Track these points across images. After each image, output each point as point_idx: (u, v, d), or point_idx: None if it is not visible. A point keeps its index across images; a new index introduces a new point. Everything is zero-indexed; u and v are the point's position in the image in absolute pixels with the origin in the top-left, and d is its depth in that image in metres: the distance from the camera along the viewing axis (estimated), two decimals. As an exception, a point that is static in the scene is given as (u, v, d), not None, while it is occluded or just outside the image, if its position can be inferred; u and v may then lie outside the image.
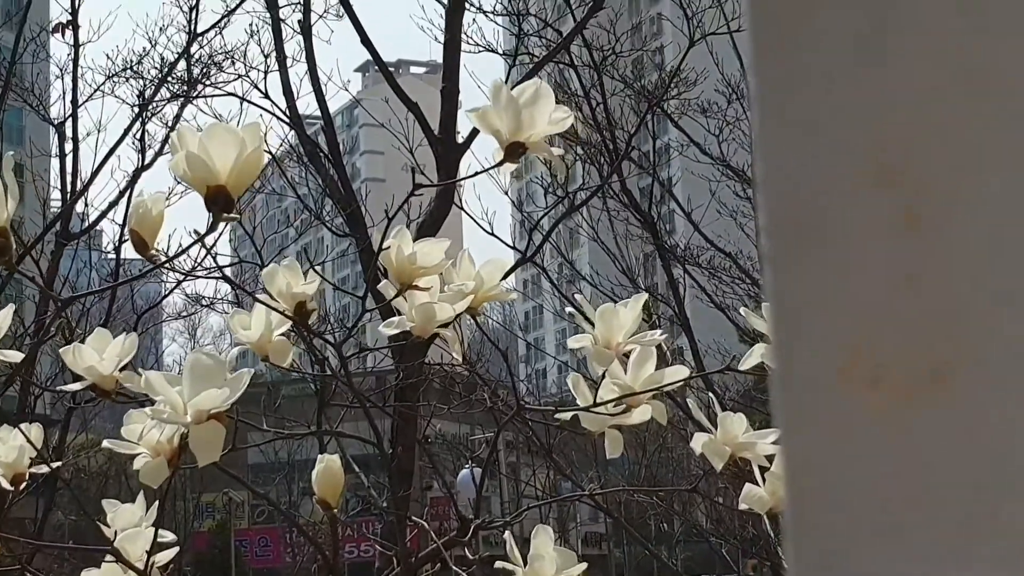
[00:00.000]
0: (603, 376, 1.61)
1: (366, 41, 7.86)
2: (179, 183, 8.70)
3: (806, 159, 0.36)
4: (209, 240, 1.82)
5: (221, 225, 1.33)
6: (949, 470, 0.35)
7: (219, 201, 1.23)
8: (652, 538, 15.80)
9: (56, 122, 8.76)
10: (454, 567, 1.73)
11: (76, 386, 1.51)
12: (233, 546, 29.60)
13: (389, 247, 1.55)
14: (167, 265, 1.56)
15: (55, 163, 8.68)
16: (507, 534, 1.61)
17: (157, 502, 1.60)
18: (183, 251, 1.44)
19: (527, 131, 1.37)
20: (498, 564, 1.56)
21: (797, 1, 0.36)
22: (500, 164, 1.40)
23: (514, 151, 1.38)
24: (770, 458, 1.63)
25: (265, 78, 8.54)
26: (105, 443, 1.50)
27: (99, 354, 1.49)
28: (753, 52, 0.36)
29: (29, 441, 1.57)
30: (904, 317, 0.35)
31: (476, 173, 1.63)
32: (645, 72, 9.08)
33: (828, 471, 0.35)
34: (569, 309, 1.64)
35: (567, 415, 1.70)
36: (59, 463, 1.84)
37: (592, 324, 1.59)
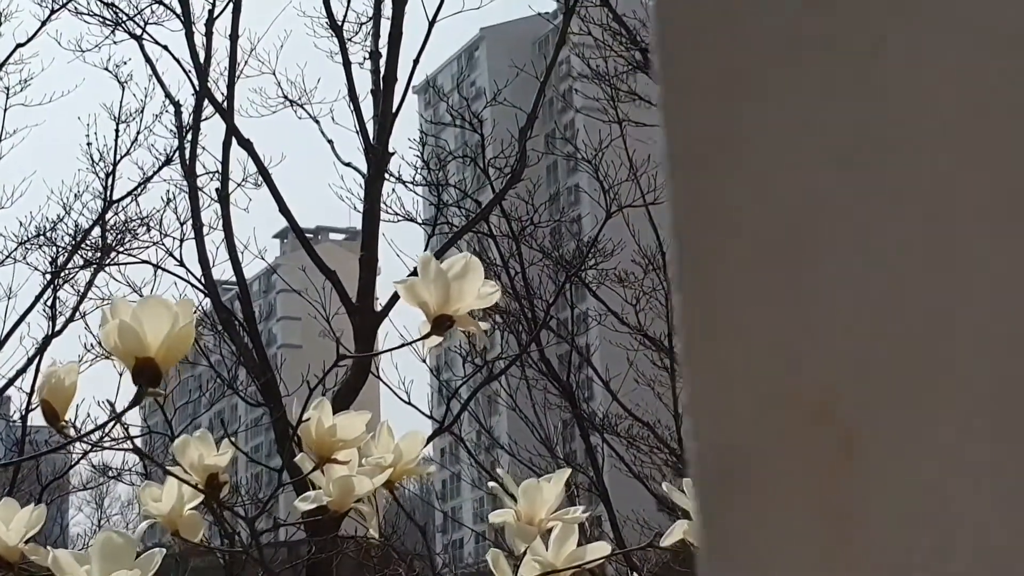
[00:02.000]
0: (524, 552, 1.58)
1: (284, 210, 7.91)
2: (89, 351, 8.56)
3: (738, 385, 0.35)
4: (118, 408, 1.79)
5: (131, 392, 1.31)
6: None
7: (146, 374, 1.21)
8: None
9: (-35, 288, 8.64)
10: None
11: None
12: None
13: (308, 419, 1.53)
14: (79, 439, 1.52)
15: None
16: None
17: None
18: (99, 427, 1.41)
19: (455, 304, 1.37)
20: None
21: (720, 224, 0.35)
22: (426, 336, 1.40)
23: (441, 324, 1.38)
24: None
25: (181, 246, 8.54)
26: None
27: (5, 525, 1.45)
28: (678, 286, 0.36)
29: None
30: (840, 561, 0.33)
31: (400, 346, 1.63)
32: (563, 242, 9.23)
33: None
34: (491, 484, 1.63)
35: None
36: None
37: (514, 499, 1.57)
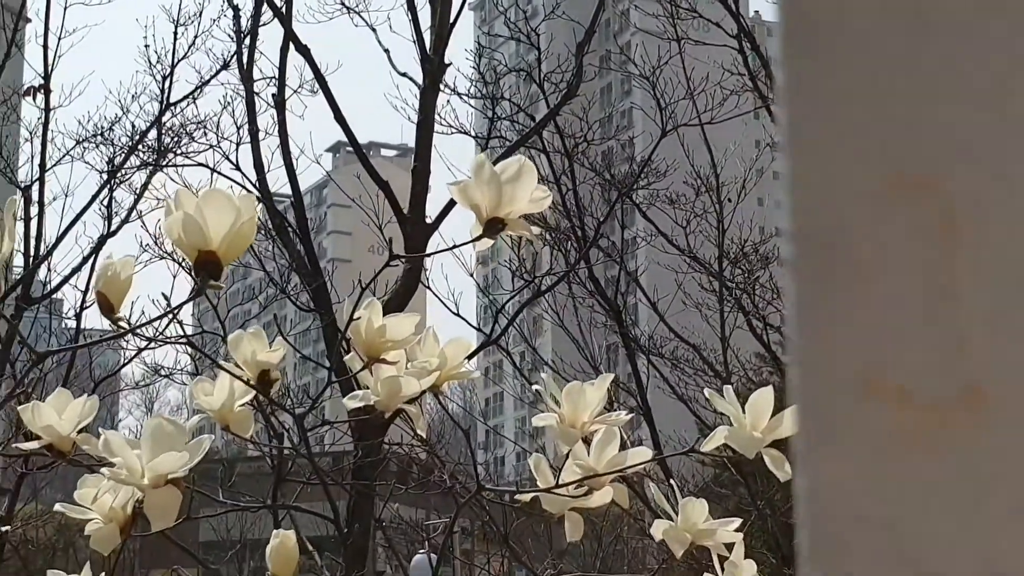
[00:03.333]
0: (566, 457, 1.60)
1: (339, 117, 7.91)
2: (145, 251, 8.66)
3: (836, 165, 0.35)
4: (172, 306, 1.81)
5: (186, 292, 1.32)
6: (980, 494, 0.33)
7: (208, 267, 1.22)
8: (606, 631, 15.61)
9: (23, 185, 8.74)
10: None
11: (32, 444, 1.49)
12: (179, 625, 29.06)
13: (358, 318, 1.55)
14: (132, 332, 1.55)
15: (20, 227, 8.64)
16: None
17: (103, 574, 1.57)
18: (153, 320, 1.43)
19: (507, 207, 1.37)
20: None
21: (831, 6, 0.35)
22: (478, 239, 1.40)
23: (493, 227, 1.38)
24: (730, 546, 1.62)
25: (236, 150, 8.58)
26: (57, 506, 1.48)
27: (58, 414, 1.48)
28: (784, 55, 0.36)
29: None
30: (935, 331, 0.34)
31: (451, 247, 1.63)
32: (615, 161, 9.17)
33: (848, 493, 0.34)
34: (535, 386, 1.64)
35: (527, 496, 1.69)
36: (6, 527, 1.80)
37: (557, 403, 1.59)
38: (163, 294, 1.43)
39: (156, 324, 1.64)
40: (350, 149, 8.54)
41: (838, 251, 0.35)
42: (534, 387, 1.68)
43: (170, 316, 1.40)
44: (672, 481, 1.83)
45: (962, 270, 0.34)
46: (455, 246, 1.57)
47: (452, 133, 8.41)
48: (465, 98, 8.53)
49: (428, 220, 7.50)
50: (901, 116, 0.35)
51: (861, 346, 0.34)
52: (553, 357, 9.05)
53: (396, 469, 7.78)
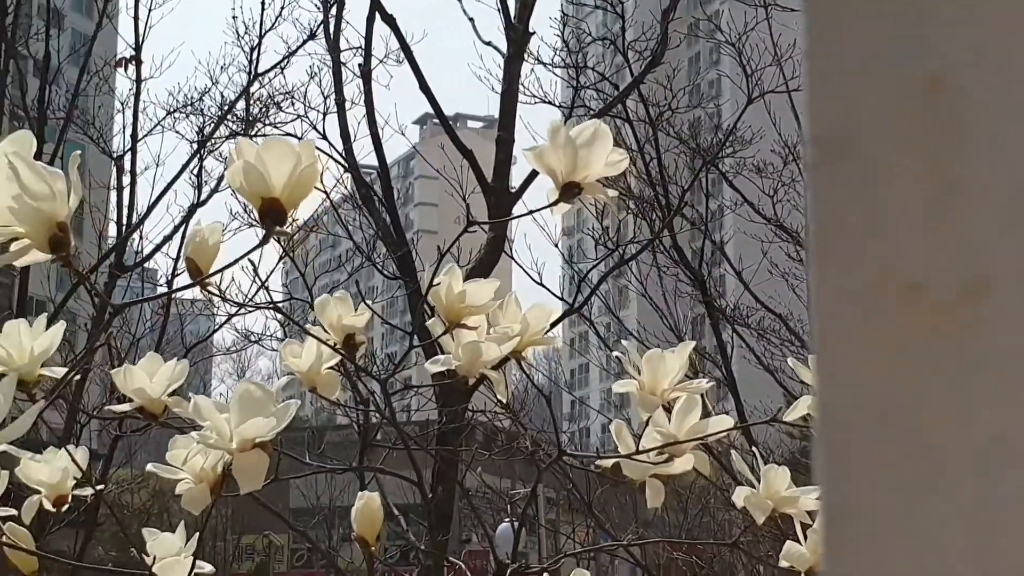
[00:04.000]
0: (646, 424, 1.60)
1: (424, 87, 7.94)
2: (234, 219, 8.78)
3: (849, 66, 0.36)
4: (261, 275, 1.84)
5: (275, 260, 1.34)
6: (985, 380, 0.34)
7: (272, 214, 1.24)
8: (691, 601, 15.58)
9: (115, 155, 8.91)
10: (489, 609, 1.72)
11: (124, 407, 1.53)
12: (271, 589, 29.56)
13: (439, 284, 1.57)
14: (220, 294, 1.58)
15: (113, 196, 8.82)
16: (544, 577, 1.61)
17: (197, 534, 1.61)
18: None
19: (583, 171, 1.38)
20: (534, 608, 1.55)
21: None
22: (555, 204, 1.40)
23: (569, 191, 1.39)
24: (812, 514, 1.61)
25: (323, 120, 8.66)
26: (149, 467, 1.52)
27: (149, 377, 1.51)
28: None
29: (75, 462, 1.58)
30: (944, 227, 0.35)
31: (529, 212, 1.64)
32: (701, 130, 9.10)
33: (861, 388, 0.35)
34: (616, 353, 1.65)
35: (608, 462, 1.70)
36: (102, 487, 1.85)
37: (638, 370, 1.59)
38: (250, 260, 1.46)
39: (242, 292, 1.67)
40: (436, 121, 8.57)
41: (852, 152, 0.36)
42: (614, 354, 1.69)
43: (253, 284, 1.41)
44: (755, 449, 1.83)
45: (970, 167, 0.35)
46: (533, 211, 1.58)
47: (536, 103, 8.41)
48: (549, 67, 8.51)
49: (512, 190, 7.51)
50: (913, 16, 0.36)
51: (874, 244, 0.36)
52: (637, 328, 9.03)
53: (481, 437, 7.84)
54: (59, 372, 1.47)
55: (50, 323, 1.48)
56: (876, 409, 0.35)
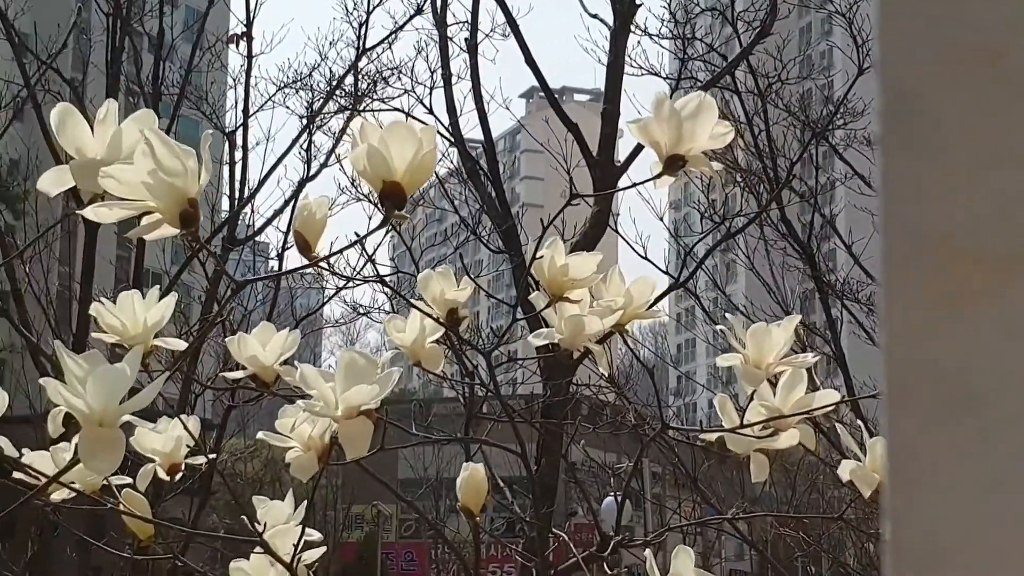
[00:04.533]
0: (751, 398, 1.60)
1: (530, 60, 7.94)
2: (343, 193, 8.89)
3: (919, 37, 0.38)
4: (369, 249, 1.87)
5: (382, 233, 1.36)
6: None
7: (392, 197, 1.25)
8: (799, 578, 15.44)
9: (227, 131, 9.07)
10: (593, 581, 1.73)
11: (237, 374, 1.57)
12: (380, 559, 30.00)
13: (542, 257, 1.57)
14: (327, 266, 1.60)
15: (225, 171, 8.98)
16: (647, 552, 1.61)
17: (305, 503, 1.64)
18: (344, 249, 1.48)
19: (687, 144, 1.37)
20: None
21: None
22: (658, 177, 1.40)
23: (673, 164, 1.38)
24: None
25: (430, 94, 8.71)
26: (260, 435, 1.55)
27: (262, 346, 1.55)
28: None
29: (188, 431, 1.62)
30: (1008, 193, 0.36)
31: (633, 184, 1.64)
32: (811, 102, 8.96)
33: (925, 346, 0.37)
34: (719, 326, 1.64)
35: (713, 436, 1.69)
36: (215, 456, 1.90)
37: (743, 344, 1.58)
38: (357, 233, 1.47)
39: (349, 264, 1.69)
40: (543, 94, 8.57)
41: (917, 120, 0.37)
42: (718, 328, 1.68)
43: (360, 257, 1.43)
44: (861, 423, 1.81)
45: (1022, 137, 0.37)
46: (636, 184, 1.57)
47: (643, 75, 8.35)
48: (656, 39, 8.44)
49: (617, 163, 7.48)
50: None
51: (935, 210, 0.37)
52: (745, 302, 8.95)
53: (586, 410, 7.85)
54: (173, 343, 1.51)
55: (164, 295, 1.52)
56: (932, 363, 0.37)
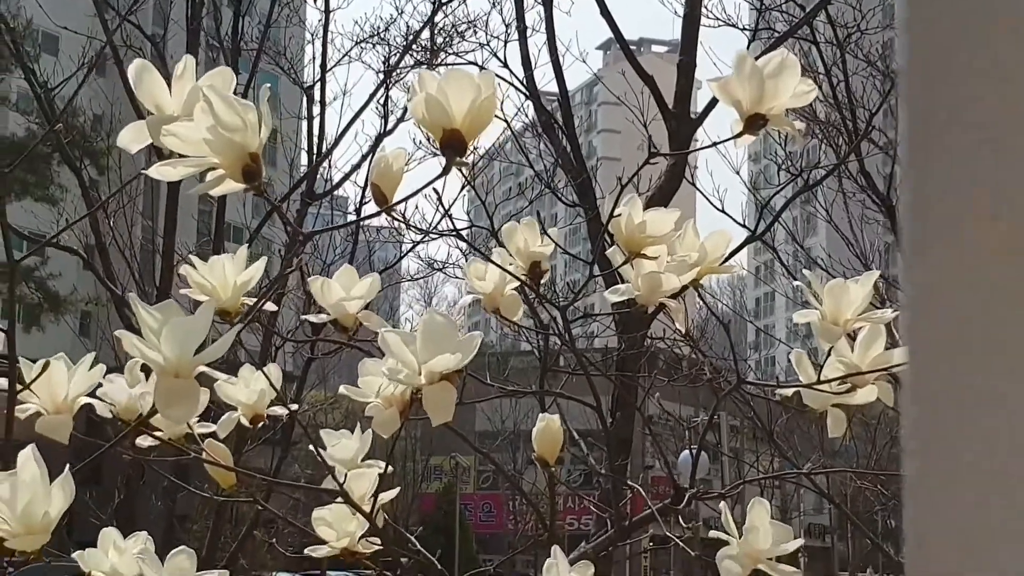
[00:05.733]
0: (828, 353, 1.59)
1: (605, 12, 7.88)
2: (419, 148, 8.92)
3: (946, 4, 0.38)
4: (444, 204, 1.88)
5: (457, 189, 1.37)
6: None
7: (453, 145, 1.26)
8: (878, 533, 15.37)
9: (305, 86, 9.12)
10: (668, 532, 1.74)
11: (320, 317, 1.59)
12: (458, 510, 30.31)
13: (619, 214, 1.57)
14: (404, 221, 1.61)
15: (303, 126, 9.05)
16: (722, 504, 1.61)
17: (388, 454, 1.65)
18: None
19: (769, 103, 1.35)
20: (712, 533, 1.56)
21: None
22: (739, 136, 1.39)
23: (754, 123, 1.37)
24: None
25: (505, 48, 8.69)
26: (341, 389, 1.57)
27: (344, 290, 1.57)
28: None
29: (270, 382, 1.65)
30: (1017, 160, 0.37)
31: (713, 143, 1.62)
32: (892, 51, 8.78)
33: (945, 294, 0.38)
34: (796, 282, 1.63)
35: (789, 391, 1.69)
36: (296, 407, 1.93)
37: (820, 300, 1.57)
38: (434, 189, 1.49)
39: (426, 220, 1.71)
40: (620, 46, 8.50)
41: (943, 85, 0.38)
42: (795, 284, 1.67)
43: (437, 212, 1.44)
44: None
45: None
46: (716, 143, 1.56)
47: (720, 26, 8.24)
48: (734, -11, 8.31)
49: (694, 115, 7.41)
50: None
51: (958, 171, 0.38)
52: (824, 256, 8.85)
53: (663, 364, 7.83)
54: (264, 306, 1.53)
55: (246, 248, 1.54)
56: (958, 313, 0.38)
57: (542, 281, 1.70)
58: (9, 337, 1.39)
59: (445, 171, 1.30)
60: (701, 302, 1.88)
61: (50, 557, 1.27)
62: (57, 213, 15.55)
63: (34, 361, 1.37)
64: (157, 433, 1.46)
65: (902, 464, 0.39)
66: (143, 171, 1.22)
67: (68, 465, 1.26)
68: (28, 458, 1.22)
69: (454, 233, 2.03)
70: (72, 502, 1.25)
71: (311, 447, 1.60)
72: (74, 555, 1.45)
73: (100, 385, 1.44)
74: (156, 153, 1.25)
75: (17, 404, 1.35)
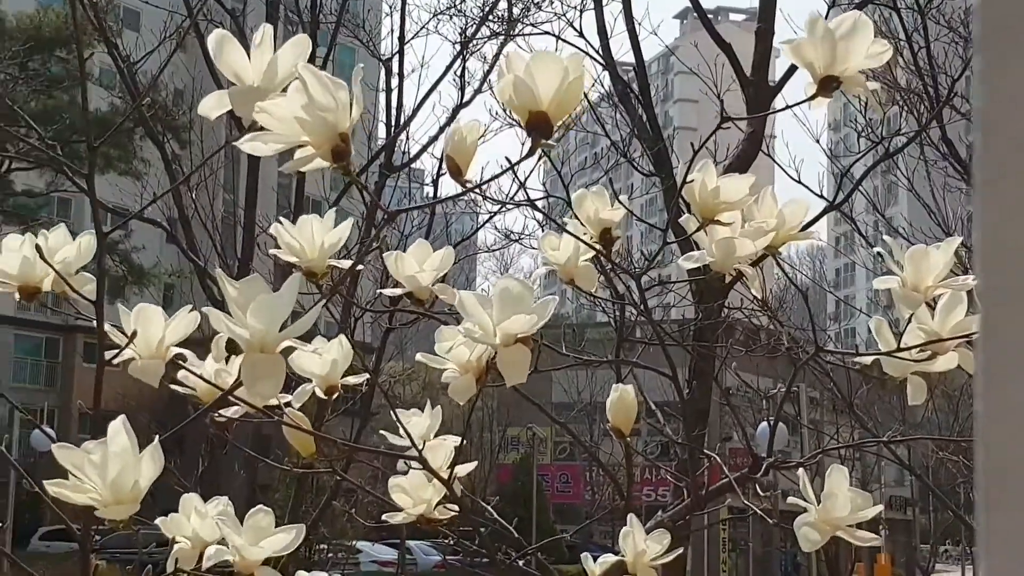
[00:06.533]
0: (908, 321, 1.57)
1: (683, -18, 7.80)
2: (495, 119, 8.93)
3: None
4: (521, 175, 1.88)
5: (534, 159, 1.36)
6: None
7: (539, 127, 1.26)
8: (961, 505, 15.18)
9: (383, 58, 9.16)
10: (745, 501, 1.74)
11: (395, 291, 1.60)
12: (535, 480, 30.45)
13: (693, 180, 1.56)
14: (481, 193, 1.62)
15: (381, 98, 9.09)
16: (801, 471, 1.60)
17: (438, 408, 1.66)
18: (494, 178, 1.50)
19: (842, 64, 1.34)
20: (791, 500, 1.55)
21: None
22: (812, 98, 1.37)
23: (827, 85, 1.35)
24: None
25: (580, 17, 8.64)
26: (418, 356, 1.58)
27: (419, 264, 1.58)
28: None
29: (353, 348, 1.65)
30: None
31: (787, 106, 1.61)
32: (972, 16, 8.59)
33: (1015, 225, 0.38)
34: (878, 248, 1.61)
35: (868, 359, 1.67)
36: (374, 376, 1.95)
37: (901, 267, 1.55)
38: (507, 159, 1.49)
39: (502, 190, 1.71)
40: (696, 15, 8.42)
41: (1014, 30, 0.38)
42: (875, 250, 1.65)
43: (513, 183, 1.45)
44: None
45: None
46: (790, 105, 1.55)
47: (799, -7, 8.12)
48: (813, -45, 8.19)
49: (772, 84, 7.33)
50: None
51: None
52: (906, 225, 8.72)
53: (741, 335, 7.79)
54: (344, 264, 1.55)
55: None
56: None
57: (616, 250, 1.70)
58: (97, 309, 1.41)
59: (530, 153, 1.30)
60: (780, 271, 1.86)
61: (137, 525, 1.29)
62: (140, 186, 15.80)
63: (122, 332, 1.39)
64: (239, 403, 1.48)
65: (975, 411, 0.39)
66: (232, 142, 1.24)
67: (156, 436, 1.27)
68: (119, 429, 1.24)
69: (530, 204, 2.03)
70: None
71: (391, 415, 1.61)
72: (156, 521, 1.48)
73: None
74: (236, 125, 1.26)
75: (107, 364, 1.36)
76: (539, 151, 1.31)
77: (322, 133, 1.21)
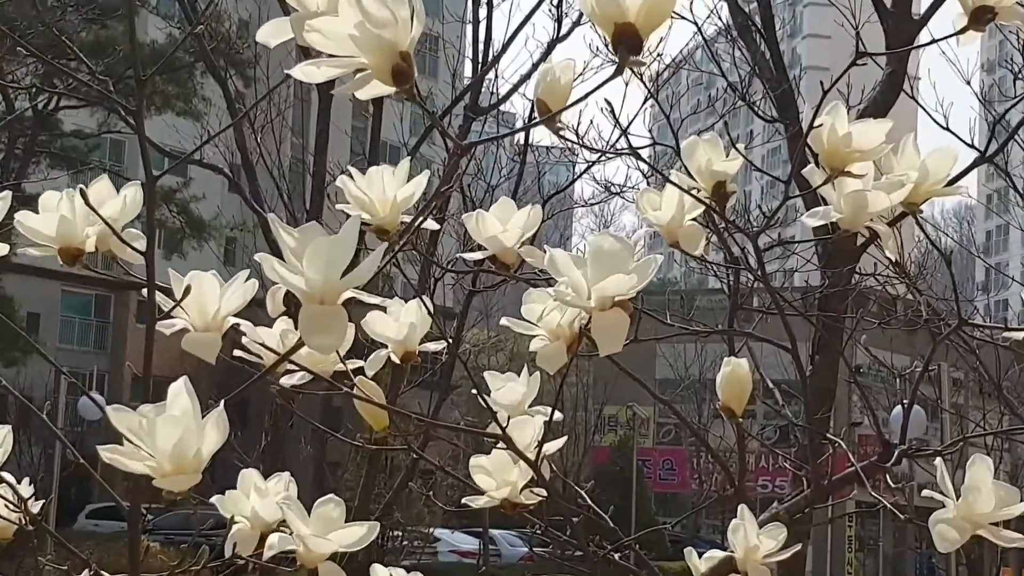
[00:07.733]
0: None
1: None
2: (596, 55, 8.87)
3: None
4: (624, 120, 1.86)
5: (639, 103, 1.35)
6: None
7: (626, 41, 1.22)
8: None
9: (473, -16, 9.14)
10: (874, 494, 1.72)
11: (477, 255, 1.60)
12: (635, 465, 30.43)
13: (821, 125, 1.54)
14: (577, 140, 1.61)
15: (468, 31, 9.08)
16: (938, 461, 1.58)
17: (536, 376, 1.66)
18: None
19: (999, -5, 1.31)
20: (926, 493, 1.53)
21: None
22: (962, 32, 1.35)
23: (980, 17, 1.33)
24: None
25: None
26: (503, 321, 1.57)
27: (502, 224, 1.57)
28: None
29: (429, 312, 1.65)
30: None
31: (933, 40, 1.58)
32: None
33: None
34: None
35: (1020, 334, 1.64)
36: (455, 345, 1.96)
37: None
38: (607, 100, 1.48)
39: (602, 138, 1.69)
40: (828, -64, 8.28)
41: None
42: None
43: (614, 130, 1.43)
44: None
45: None
46: (936, 40, 1.52)
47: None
48: None
49: (916, 17, 7.20)
50: None
51: None
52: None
53: (875, 306, 7.69)
54: (428, 225, 1.53)
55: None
56: None
57: (730, 206, 1.68)
58: (148, 261, 1.40)
59: (618, 71, 1.27)
60: (921, 232, 1.83)
61: (195, 501, 1.28)
62: (200, 128, 16.00)
63: (174, 299, 1.38)
64: (304, 367, 1.48)
65: None
66: (287, 71, 1.23)
67: (221, 401, 1.26)
68: (180, 391, 1.22)
69: (633, 153, 2.02)
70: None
71: (473, 391, 1.60)
72: (212, 499, 1.49)
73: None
74: (305, 58, 1.25)
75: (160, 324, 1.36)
76: (644, 90, 1.29)
77: (380, 52, 1.18)
